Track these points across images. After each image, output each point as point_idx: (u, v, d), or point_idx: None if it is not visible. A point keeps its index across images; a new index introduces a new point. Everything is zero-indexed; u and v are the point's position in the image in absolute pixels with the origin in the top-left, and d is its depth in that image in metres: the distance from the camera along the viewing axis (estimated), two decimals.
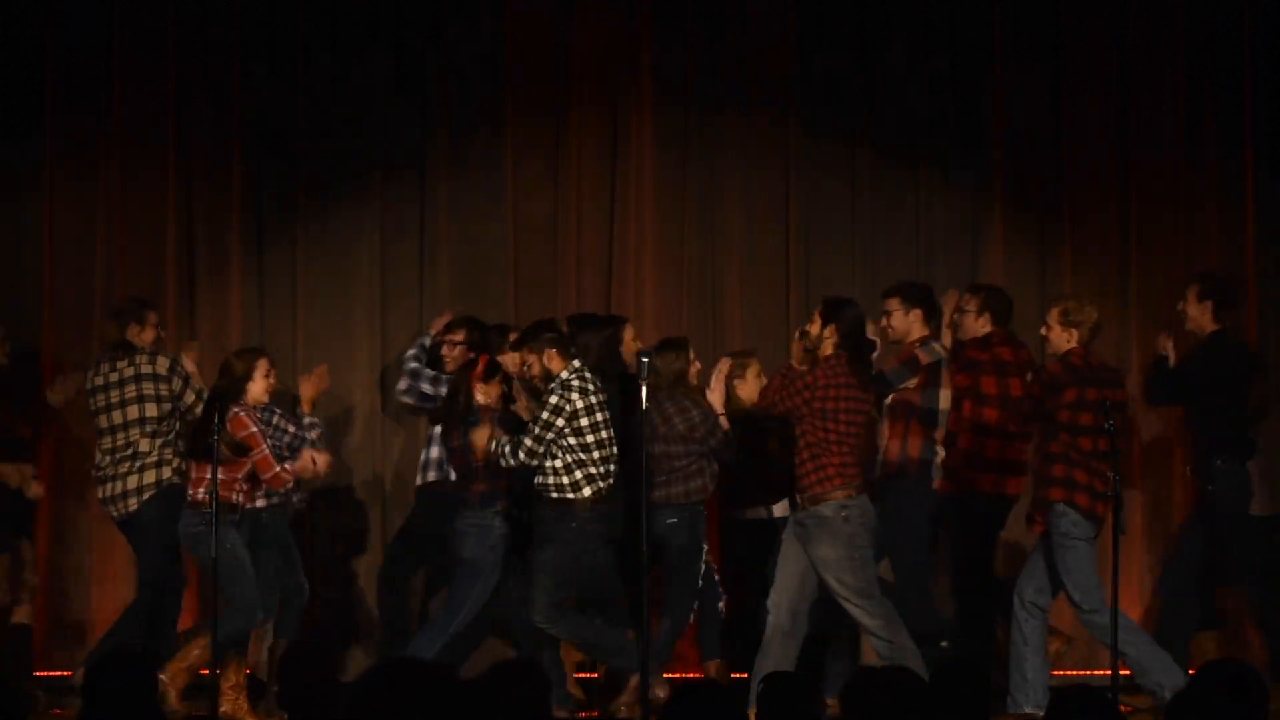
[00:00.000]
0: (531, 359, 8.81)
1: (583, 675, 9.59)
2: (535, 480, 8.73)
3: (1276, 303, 10.68)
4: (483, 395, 8.92)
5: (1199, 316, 9.59)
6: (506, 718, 4.81)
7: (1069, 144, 10.67)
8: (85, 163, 10.47)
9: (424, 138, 10.60)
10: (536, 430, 8.65)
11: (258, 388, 8.78)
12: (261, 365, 8.80)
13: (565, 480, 8.71)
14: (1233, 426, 9.50)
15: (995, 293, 9.63)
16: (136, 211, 10.46)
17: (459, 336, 9.68)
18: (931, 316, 9.43)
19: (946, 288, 10.48)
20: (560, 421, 8.65)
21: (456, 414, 8.96)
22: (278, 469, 8.67)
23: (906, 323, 9.40)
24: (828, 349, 8.41)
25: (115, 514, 9.18)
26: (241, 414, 8.65)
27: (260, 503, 9.03)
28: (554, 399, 8.66)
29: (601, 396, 8.76)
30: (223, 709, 8.57)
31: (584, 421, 8.69)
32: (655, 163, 10.63)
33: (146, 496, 9.10)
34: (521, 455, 8.65)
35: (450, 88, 10.59)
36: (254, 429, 8.65)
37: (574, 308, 10.46)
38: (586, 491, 8.71)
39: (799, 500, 8.44)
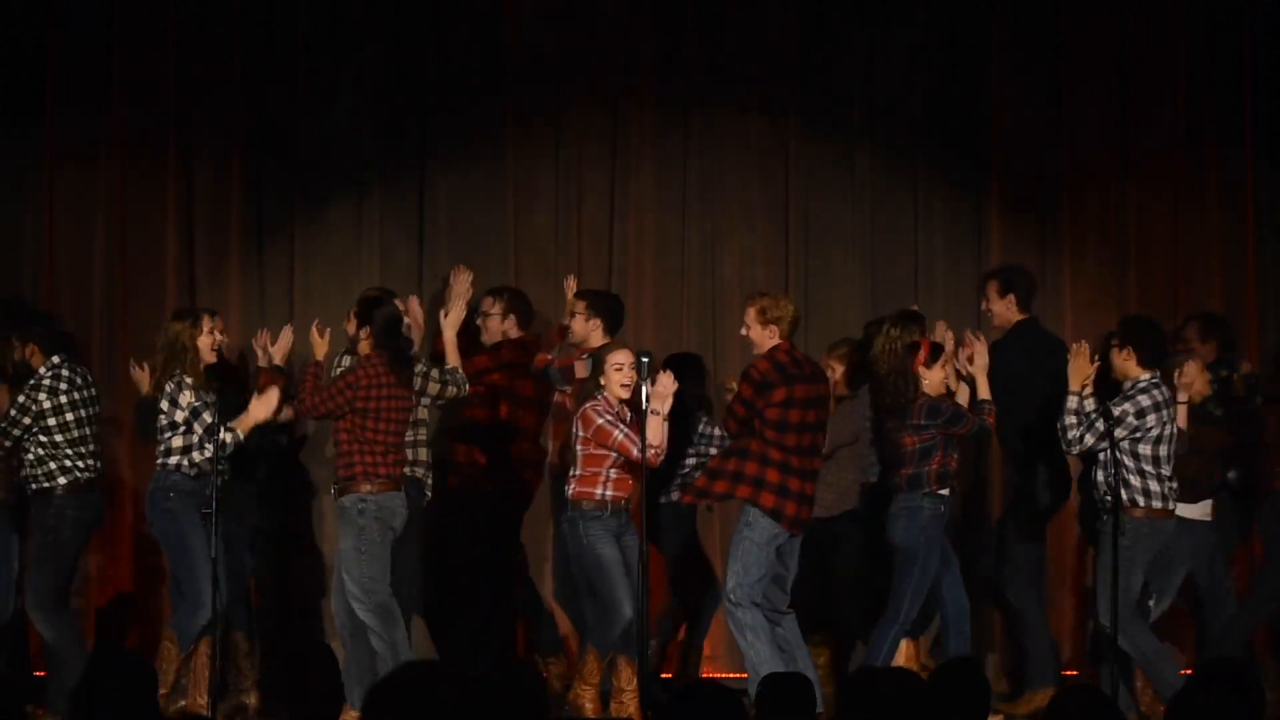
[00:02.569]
0: (16, 346, 9.26)
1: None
2: (21, 473, 9.06)
3: (1277, 302, 10.68)
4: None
5: (1005, 312, 9.47)
6: (504, 717, 4.81)
7: (1069, 144, 10.67)
8: (85, 162, 10.46)
9: (424, 137, 10.60)
10: (4, 424, 9.00)
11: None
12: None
13: (39, 471, 8.98)
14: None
15: (518, 294, 9.85)
16: (136, 211, 10.46)
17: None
18: (612, 330, 9.46)
19: (947, 288, 10.50)
20: (27, 420, 8.99)
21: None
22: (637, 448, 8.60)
23: (586, 329, 9.49)
24: (365, 348, 8.80)
25: None
26: (588, 410, 8.73)
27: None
28: (22, 398, 9.02)
29: (86, 392, 9.04)
30: None
31: (51, 421, 8.98)
32: (655, 162, 10.63)
33: None
34: None
35: (450, 88, 10.59)
36: (600, 422, 8.69)
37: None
38: (62, 480, 8.95)
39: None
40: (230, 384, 9.30)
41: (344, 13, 10.59)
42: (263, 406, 8.82)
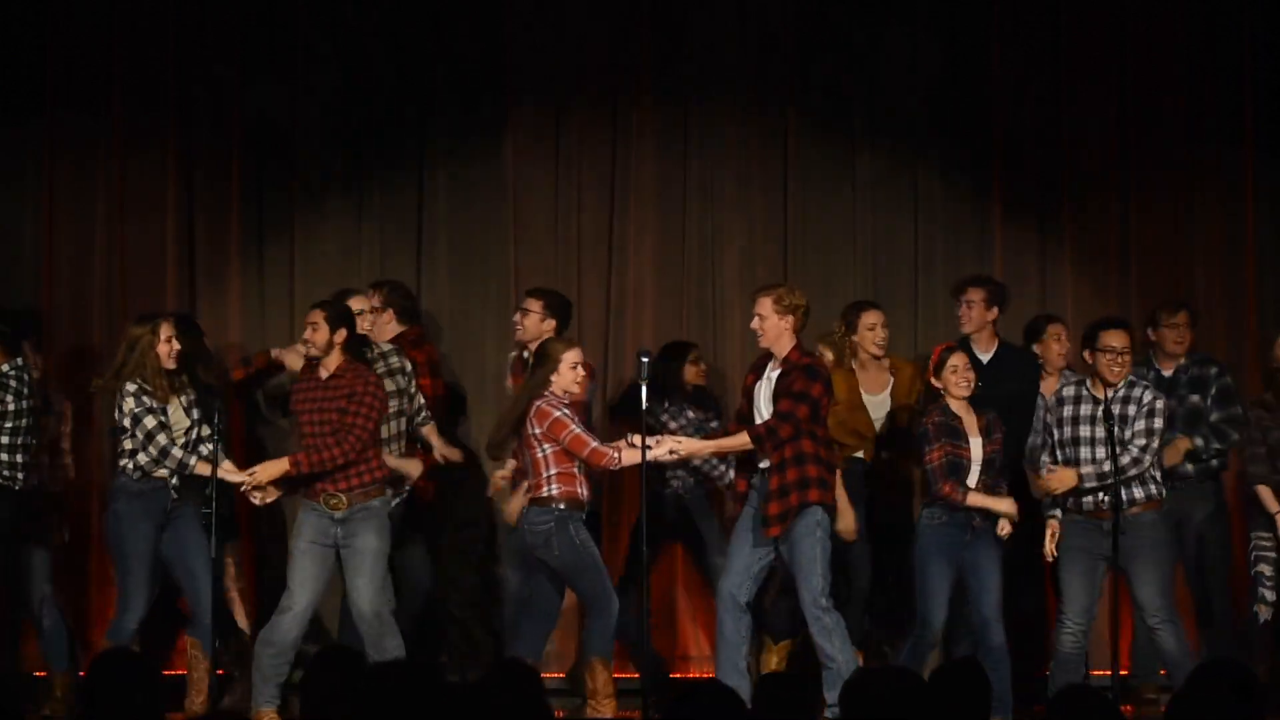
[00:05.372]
0: None
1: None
2: None
3: (1277, 302, 10.67)
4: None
5: (983, 321, 9.52)
6: (505, 717, 4.81)
7: (1069, 144, 10.66)
8: (85, 161, 10.48)
9: (424, 137, 10.61)
10: None
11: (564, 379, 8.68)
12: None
13: None
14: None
15: (398, 286, 9.81)
16: (136, 209, 10.47)
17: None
18: (560, 333, 9.40)
19: (947, 288, 10.48)
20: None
21: None
22: (593, 445, 8.57)
23: (540, 328, 9.40)
24: (337, 357, 8.66)
25: None
26: (543, 405, 8.62)
27: None
28: None
29: (34, 400, 8.99)
30: None
31: (9, 425, 8.92)
32: (655, 163, 10.63)
33: None
34: None
35: (450, 87, 10.59)
36: (557, 414, 8.58)
37: (575, 308, 10.45)
38: None
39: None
40: (210, 392, 9.18)
41: (344, 13, 10.59)
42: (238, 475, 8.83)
